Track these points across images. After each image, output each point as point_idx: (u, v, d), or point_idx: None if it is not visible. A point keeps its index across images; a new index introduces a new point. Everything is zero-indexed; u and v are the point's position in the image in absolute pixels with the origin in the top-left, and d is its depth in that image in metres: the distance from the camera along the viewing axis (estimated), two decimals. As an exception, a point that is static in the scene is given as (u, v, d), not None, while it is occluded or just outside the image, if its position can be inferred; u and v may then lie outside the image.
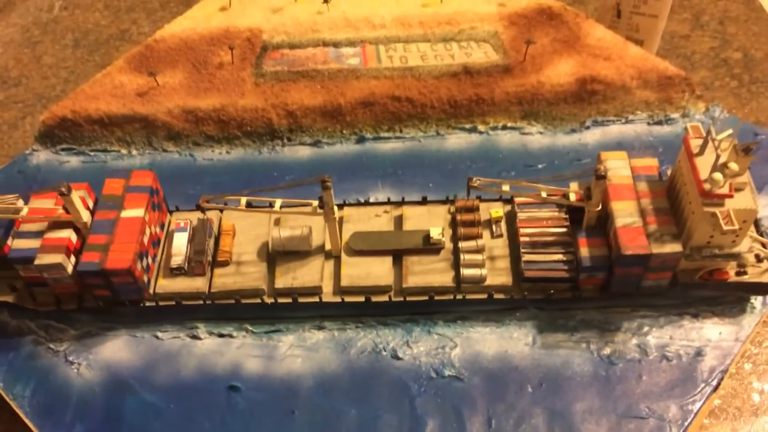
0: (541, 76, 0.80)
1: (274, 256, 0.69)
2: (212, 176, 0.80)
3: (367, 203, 0.73)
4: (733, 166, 0.54)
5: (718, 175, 0.55)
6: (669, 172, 0.65)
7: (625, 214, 0.61)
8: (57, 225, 0.65)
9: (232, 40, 0.85)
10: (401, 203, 0.73)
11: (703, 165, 0.57)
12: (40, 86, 0.99)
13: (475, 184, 0.63)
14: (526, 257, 0.65)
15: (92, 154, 0.83)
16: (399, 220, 0.71)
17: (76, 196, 0.64)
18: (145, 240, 0.66)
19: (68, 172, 0.82)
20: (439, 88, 0.81)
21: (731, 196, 0.56)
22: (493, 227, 0.69)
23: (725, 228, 0.55)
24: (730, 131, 0.57)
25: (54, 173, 0.82)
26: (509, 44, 0.82)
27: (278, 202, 0.66)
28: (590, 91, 0.80)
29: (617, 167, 0.65)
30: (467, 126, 0.81)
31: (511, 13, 0.84)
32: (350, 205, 0.73)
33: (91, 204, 0.68)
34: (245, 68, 0.84)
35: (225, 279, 0.67)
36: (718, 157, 0.56)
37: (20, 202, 0.68)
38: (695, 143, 0.59)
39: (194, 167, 0.82)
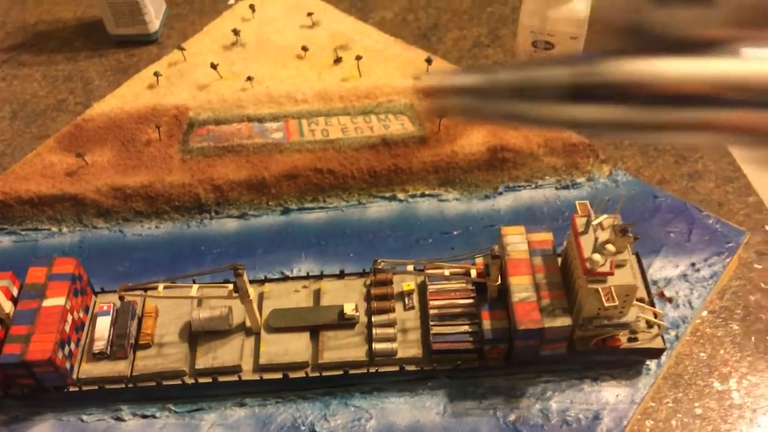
0: (455, 145, 0.85)
1: (196, 335, 0.71)
2: (141, 251, 0.83)
3: (287, 278, 0.76)
4: (610, 248, 0.59)
5: (596, 256, 0.59)
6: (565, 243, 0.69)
7: (521, 289, 0.65)
8: (-20, 316, 0.67)
9: (159, 118, 0.88)
10: (320, 277, 0.76)
11: (587, 243, 0.61)
12: (-24, 161, 1.01)
13: (380, 266, 0.66)
14: (434, 329, 0.69)
15: (23, 233, 0.85)
16: (317, 295, 0.74)
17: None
18: (67, 327, 0.68)
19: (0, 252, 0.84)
20: (360, 159, 0.85)
21: (612, 274, 0.60)
22: (406, 300, 0.72)
23: (606, 304, 0.59)
24: (604, 216, 0.62)
25: (-15, 254, 0.84)
26: (424, 116, 0.86)
27: (195, 287, 0.68)
28: (501, 159, 0.84)
29: (515, 242, 0.69)
30: (387, 195, 0.85)
31: (422, 86, 0.88)
32: (271, 280, 0.76)
33: (15, 292, 0.70)
34: (172, 145, 0.87)
35: (147, 361, 0.69)
36: (596, 239, 0.60)
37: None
38: (581, 221, 0.63)
39: (123, 243, 0.84)
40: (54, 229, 0.85)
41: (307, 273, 0.77)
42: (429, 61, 0.89)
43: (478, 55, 1.09)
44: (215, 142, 0.86)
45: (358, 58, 0.88)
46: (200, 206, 0.85)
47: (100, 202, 0.84)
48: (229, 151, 0.86)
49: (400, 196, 0.85)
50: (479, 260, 0.71)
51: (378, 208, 0.85)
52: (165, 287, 0.69)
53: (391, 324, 0.70)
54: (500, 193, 0.85)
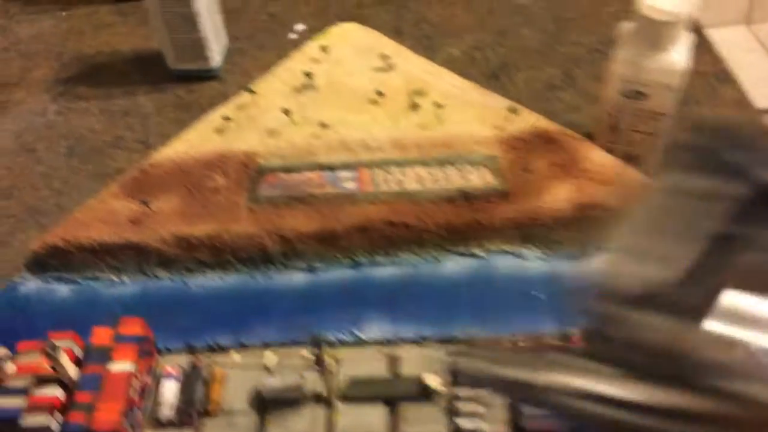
0: (540, 200, 0.80)
1: (266, 403, 0.67)
2: (205, 304, 0.79)
3: (362, 342, 0.71)
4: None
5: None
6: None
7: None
8: (44, 380, 0.63)
9: (227, 164, 0.84)
10: (397, 342, 0.71)
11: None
12: (31, 198, 0.98)
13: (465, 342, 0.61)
14: (527, 410, 0.63)
15: (83, 282, 0.81)
16: (395, 362, 0.69)
17: (62, 354, 0.62)
18: (134, 394, 0.64)
19: (58, 302, 0.80)
20: (436, 213, 0.80)
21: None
22: (493, 372, 0.67)
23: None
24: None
25: (44, 304, 0.80)
26: (507, 168, 0.82)
27: (270, 356, 0.64)
28: (589, 216, 0.79)
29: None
30: (464, 251, 0.80)
31: (508, 136, 0.83)
32: (345, 343, 0.71)
33: (79, 352, 0.66)
34: (240, 193, 0.83)
35: (214, 431, 0.65)
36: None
37: (3, 351, 0.66)
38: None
39: (187, 295, 0.80)
40: (115, 278, 0.81)
41: (384, 337, 0.72)
42: (514, 110, 0.84)
43: (552, 98, 1.04)
44: (285, 191, 0.82)
45: (439, 105, 0.84)
46: (267, 258, 0.81)
47: (164, 252, 0.81)
48: (299, 201, 0.82)
49: (478, 252, 0.80)
50: (575, 332, 0.65)
51: (454, 265, 0.79)
52: (237, 352, 0.65)
53: (478, 399, 0.65)
54: (588, 254, 0.79)
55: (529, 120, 0.85)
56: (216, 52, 1.10)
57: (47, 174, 1.01)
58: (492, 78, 1.07)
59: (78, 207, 0.95)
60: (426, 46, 1.13)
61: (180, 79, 1.13)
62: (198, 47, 1.08)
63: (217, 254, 0.81)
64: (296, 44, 1.17)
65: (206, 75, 1.12)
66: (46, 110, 1.11)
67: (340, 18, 1.21)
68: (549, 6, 1.19)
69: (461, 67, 1.05)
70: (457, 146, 0.83)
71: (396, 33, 1.13)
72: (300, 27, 1.20)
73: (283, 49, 1.17)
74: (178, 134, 1.03)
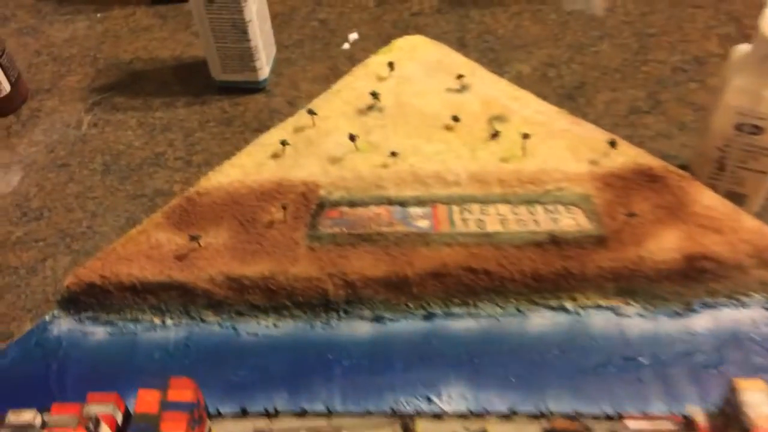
0: (642, 249, 0.70)
1: (336, 486, 0.58)
2: (258, 356, 0.70)
3: (442, 415, 0.62)
4: None
5: None
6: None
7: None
8: (80, 453, 0.55)
9: (285, 195, 0.75)
10: (482, 415, 0.62)
11: None
12: (64, 220, 0.90)
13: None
14: None
15: (121, 324, 0.73)
16: (482, 439, 0.60)
17: (103, 427, 0.53)
18: (184, 474, 0.55)
19: (93, 346, 0.72)
20: (521, 259, 0.70)
21: None
22: (599, 458, 0.58)
23: None
24: None
25: (77, 348, 0.71)
26: (603, 210, 0.72)
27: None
28: (698, 269, 0.69)
29: (758, 404, 0.53)
30: (553, 304, 0.70)
31: (605, 173, 0.73)
32: (423, 416, 0.62)
33: (119, 418, 0.58)
34: (299, 228, 0.73)
35: None
36: None
37: (32, 416, 0.57)
38: None
39: (237, 343, 0.71)
40: (157, 320, 0.72)
41: (467, 408, 0.62)
42: (613, 144, 0.75)
43: (637, 124, 0.94)
44: (349, 227, 0.73)
45: (526, 136, 0.74)
46: (327, 303, 0.72)
47: (212, 293, 0.72)
48: (365, 240, 0.72)
49: (569, 306, 0.70)
50: (695, 413, 0.56)
51: (541, 320, 0.70)
52: (297, 417, 0.56)
53: (583, 493, 0.56)
54: (694, 311, 0.69)
55: (628, 154, 0.75)
56: (265, 63, 1.01)
57: (81, 193, 0.93)
58: (567, 99, 0.97)
59: (113, 231, 0.87)
60: (491, 60, 1.04)
61: (224, 91, 1.04)
62: (246, 57, 0.99)
63: (271, 298, 0.71)
64: (349, 55, 1.08)
65: (253, 87, 1.03)
66: (81, 121, 1.03)
67: (396, 27, 1.12)
68: (628, 20, 1.09)
69: (532, 86, 0.95)
70: (545, 182, 0.74)
71: (458, 45, 1.03)
72: (353, 36, 1.11)
73: (336, 60, 1.08)
74: (221, 151, 0.95)
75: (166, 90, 1.06)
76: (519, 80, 0.97)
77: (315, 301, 0.71)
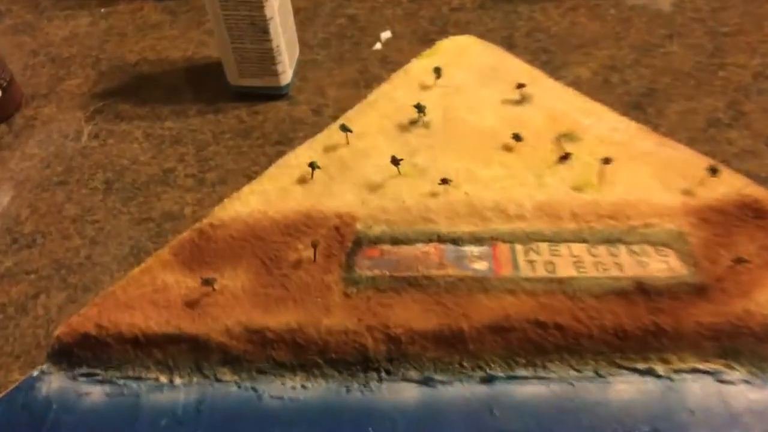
0: (750, 301, 0.57)
1: None
2: (282, 424, 0.58)
3: None
4: None
5: None
6: None
7: None
8: None
9: (314, 229, 0.63)
10: None
11: None
12: (59, 249, 0.78)
13: None
14: None
15: (121, 382, 0.61)
16: None
17: None
18: None
19: (89, 409, 0.60)
20: (602, 312, 0.58)
21: None
22: None
23: None
24: None
25: (70, 411, 0.60)
26: (701, 252, 0.59)
27: None
28: (820, 326, 0.57)
29: None
30: (640, 366, 0.58)
31: (701, 206, 0.61)
32: None
33: None
34: (332, 270, 0.62)
35: None
36: None
37: None
38: None
39: (258, 408, 0.59)
40: (163, 379, 0.61)
41: (544, 504, 0.51)
42: (714, 171, 0.62)
43: (718, 139, 0.81)
44: (392, 269, 0.61)
45: (606, 161, 0.62)
46: (366, 361, 0.60)
47: (229, 347, 0.60)
48: (411, 285, 0.61)
49: (660, 369, 0.58)
50: None
51: (626, 386, 0.58)
52: None
53: None
54: (814, 377, 0.57)
55: (729, 182, 0.63)
56: (288, 66, 0.89)
57: (79, 216, 0.81)
58: (634, 109, 0.85)
59: (114, 262, 0.76)
60: (544, 63, 0.91)
61: (241, 98, 0.92)
62: (267, 60, 0.87)
63: (299, 354, 0.60)
64: (381, 57, 0.96)
65: (274, 93, 0.91)
66: (80, 132, 0.92)
67: (434, 24, 1.00)
68: (698, 17, 0.96)
69: (593, 93, 0.83)
70: (628, 217, 0.61)
71: (506, 45, 0.91)
72: (386, 35, 0.99)
73: (366, 62, 0.96)
74: (238, 168, 0.83)
75: (177, 96, 0.95)
76: (577, 86, 0.84)
77: (351, 359, 0.60)
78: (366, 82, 0.93)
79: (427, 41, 0.97)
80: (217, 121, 0.91)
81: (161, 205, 0.82)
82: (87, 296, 0.73)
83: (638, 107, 0.85)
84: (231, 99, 0.93)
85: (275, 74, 0.89)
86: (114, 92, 0.97)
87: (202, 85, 0.96)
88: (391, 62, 0.95)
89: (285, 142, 0.86)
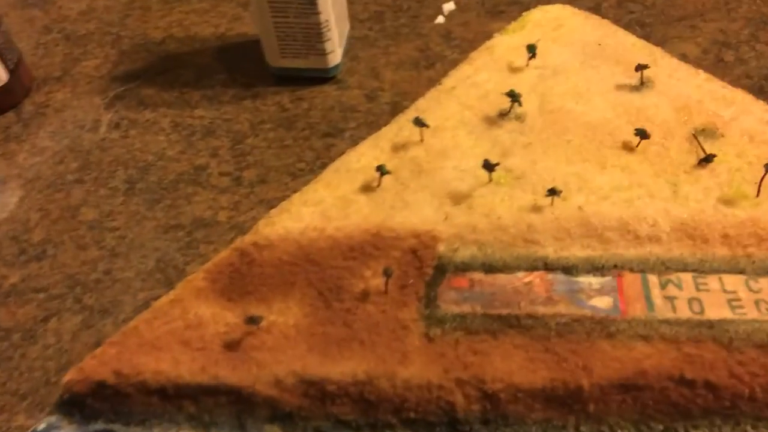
0: None
1: None
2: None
3: None
4: None
5: None
6: None
7: None
8: None
9: (385, 252, 0.50)
10: None
11: None
12: (74, 262, 0.66)
13: None
14: None
15: (146, 443, 0.49)
16: None
17: None
18: None
19: (105, 478, 0.49)
20: (766, 366, 0.45)
21: None
22: None
23: None
24: None
25: (82, 482, 0.48)
26: None
27: None
28: None
29: None
30: (817, 438, 0.44)
31: None
32: None
33: None
34: (408, 304, 0.48)
35: None
36: None
37: None
38: None
39: (316, 480, 0.47)
40: (198, 439, 0.49)
41: None
42: None
43: None
44: (486, 305, 0.48)
45: (753, 161, 0.47)
46: (455, 424, 0.47)
47: (279, 402, 0.47)
48: (512, 326, 0.47)
49: None
50: None
51: (798, 463, 0.44)
52: None
53: None
54: None
55: None
56: (337, 45, 0.76)
57: (97, 222, 0.69)
58: (758, 93, 0.70)
59: (137, 278, 0.64)
60: (641, 37, 0.76)
61: (283, 81, 0.79)
62: (314, 36, 0.74)
63: (368, 412, 0.47)
64: (445, 32, 0.83)
65: (320, 76, 0.78)
66: (99, 121, 0.79)
67: (506, -7, 0.86)
68: (827, -19, 0.80)
69: None
70: (798, 241, 0.47)
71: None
72: (449, 6, 0.85)
73: (427, 38, 0.83)
74: (280, 165, 0.71)
75: (209, 80, 0.82)
76: (683, 66, 0.70)
77: (435, 420, 0.47)
78: (427, 61, 0.79)
79: (496, 13, 0.83)
80: (255, 108, 0.78)
81: (192, 209, 0.69)
82: (105, 321, 0.61)
83: (763, 92, 0.71)
84: (271, 83, 0.80)
85: (323, 53, 0.75)
86: (137, 75, 0.84)
87: (238, 66, 0.83)
88: (456, 38, 0.82)
89: (335, 134, 0.73)
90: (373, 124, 0.72)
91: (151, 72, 0.84)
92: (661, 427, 0.45)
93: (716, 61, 0.74)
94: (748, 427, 0.45)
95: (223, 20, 0.89)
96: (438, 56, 0.80)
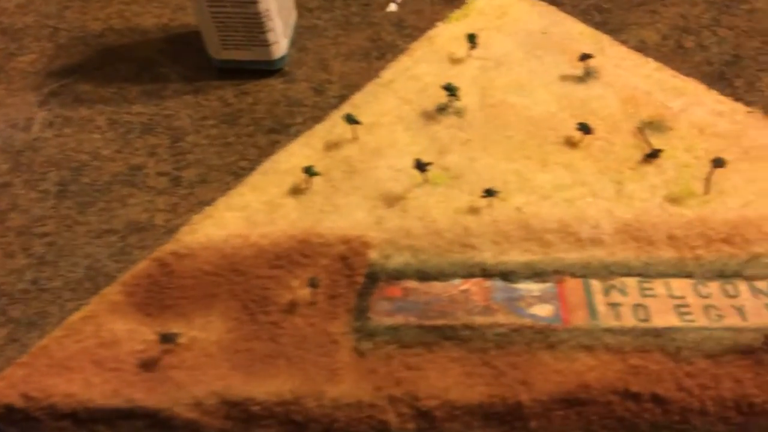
0: None
1: None
2: None
3: None
4: None
5: None
6: None
7: None
8: None
9: (313, 260, 0.46)
10: None
11: None
12: (1, 271, 0.62)
13: None
14: None
15: (58, 471, 0.46)
16: None
17: None
18: None
19: None
20: (718, 378, 0.42)
21: None
22: None
23: None
24: None
25: None
26: None
27: None
28: None
29: None
30: (773, 455, 0.42)
31: None
32: None
33: None
34: (338, 316, 0.45)
35: None
36: None
37: None
38: None
39: (243, 507, 0.44)
40: (114, 466, 0.45)
41: None
42: None
43: (830, 119, 0.63)
44: (420, 316, 0.45)
45: (718, 164, 0.44)
46: (389, 444, 0.44)
47: (200, 424, 0.44)
48: (448, 338, 0.44)
49: (804, 459, 0.41)
50: None
51: (754, 483, 0.42)
52: None
53: None
54: None
55: None
56: (281, 35, 0.72)
57: (26, 228, 0.65)
58: (718, 80, 0.67)
59: (67, 288, 0.60)
60: (599, 24, 0.73)
61: (226, 75, 0.75)
62: (254, 26, 0.70)
63: (296, 433, 0.44)
64: (397, 21, 0.79)
65: (265, 68, 0.74)
66: (32, 120, 0.75)
67: (461, -21, 0.82)
68: (791, -38, 0.77)
69: (662, 62, 0.66)
70: (750, 241, 0.44)
71: (547, 2, 0.73)
72: (403, -7, 0.81)
73: (379, 28, 0.79)
74: (222, 164, 0.67)
75: (149, 73, 0.78)
76: (643, 52, 0.67)
77: (368, 441, 0.44)
78: (379, 52, 0.76)
79: (450, 0, 0.79)
80: (197, 103, 0.74)
81: (126, 212, 0.65)
82: (32, 334, 0.57)
83: (723, 78, 0.68)
84: (215, 77, 0.76)
85: (266, 45, 0.72)
86: (74, 70, 0.80)
87: (181, 59, 0.79)
88: (409, 27, 0.78)
89: (280, 130, 0.70)
90: (320, 119, 0.69)
91: (88, 67, 0.80)
92: (608, 444, 0.43)
93: (676, 48, 0.71)
94: (700, 444, 0.42)
95: (167, 10, 0.85)
96: (390, 46, 0.76)
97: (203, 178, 0.68)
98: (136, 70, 0.79)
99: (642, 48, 0.71)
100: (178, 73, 0.77)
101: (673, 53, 0.71)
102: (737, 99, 0.65)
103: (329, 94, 0.73)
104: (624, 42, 0.72)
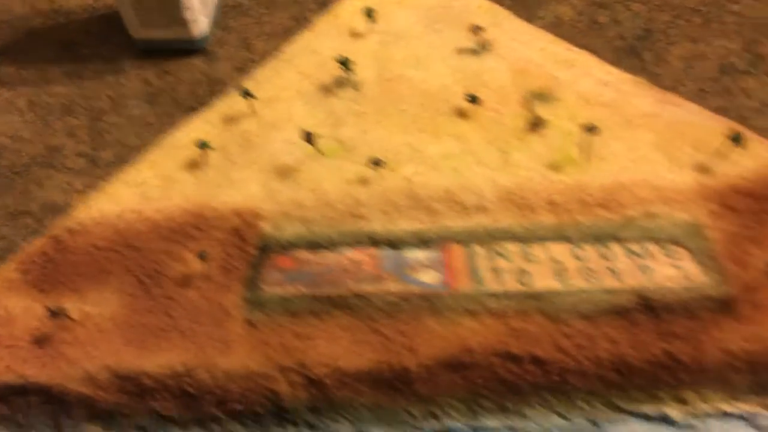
0: (793, 319, 0.42)
1: None
2: (171, 499, 0.43)
3: None
4: None
5: None
6: None
7: None
8: None
9: (206, 233, 0.47)
10: None
11: None
12: None
13: None
14: None
15: (-47, 449, 0.46)
16: None
17: None
18: None
19: None
20: (594, 338, 0.43)
21: None
22: None
23: None
24: None
25: None
26: (726, 251, 0.44)
27: None
28: None
29: None
30: (648, 410, 0.43)
31: (723, 187, 0.45)
32: None
33: None
34: (231, 288, 0.46)
35: None
36: None
37: None
38: None
39: (141, 477, 0.45)
40: (10, 442, 0.46)
41: None
42: (737, 139, 0.46)
43: (733, 90, 0.65)
44: (310, 286, 0.45)
45: (591, 129, 0.45)
46: (281, 414, 0.44)
47: (94, 399, 0.45)
48: (337, 307, 0.45)
49: (674, 414, 0.43)
50: None
51: (629, 436, 0.43)
52: None
53: None
54: None
55: (761, 154, 0.47)
56: (201, 13, 0.72)
57: (-63, 216, 0.65)
58: (629, 55, 0.69)
59: None
60: (514, 1, 0.74)
61: (148, 55, 0.75)
62: (170, 4, 0.70)
63: (190, 406, 0.44)
64: (323, 2, 0.79)
65: (187, 48, 0.74)
66: (-53, 104, 0.74)
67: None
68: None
69: (577, 37, 0.67)
70: (624, 206, 0.45)
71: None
72: (327, -28, 0.81)
73: (303, 5, 0.79)
74: (141, 144, 0.67)
75: (71, 54, 0.77)
76: (558, 29, 0.68)
77: (261, 410, 0.44)
78: (302, 30, 0.76)
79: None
80: (117, 84, 0.73)
81: (43, 193, 0.65)
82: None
83: (633, 53, 0.69)
84: (137, 57, 0.75)
85: (184, 23, 0.71)
86: (-3, 53, 0.79)
87: (104, 40, 0.78)
88: (333, 4, 0.77)
89: (201, 109, 0.70)
90: (240, 98, 0.69)
91: (11, 50, 0.79)
92: (491, 405, 0.44)
93: (591, 23, 0.72)
94: (579, 402, 0.43)
95: (92, -8, 0.84)
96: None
97: (122, 158, 0.67)
98: (59, 52, 0.78)
99: (558, 23, 0.72)
100: (100, 55, 0.77)
101: (588, 29, 0.72)
102: (646, 72, 0.66)
103: (252, 73, 0.73)
104: (540, 18, 0.73)
